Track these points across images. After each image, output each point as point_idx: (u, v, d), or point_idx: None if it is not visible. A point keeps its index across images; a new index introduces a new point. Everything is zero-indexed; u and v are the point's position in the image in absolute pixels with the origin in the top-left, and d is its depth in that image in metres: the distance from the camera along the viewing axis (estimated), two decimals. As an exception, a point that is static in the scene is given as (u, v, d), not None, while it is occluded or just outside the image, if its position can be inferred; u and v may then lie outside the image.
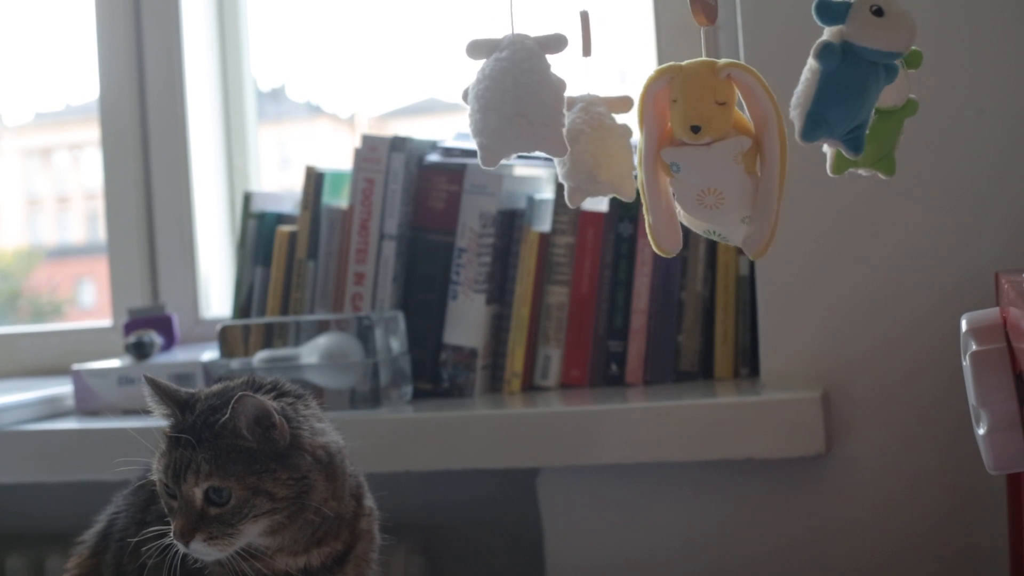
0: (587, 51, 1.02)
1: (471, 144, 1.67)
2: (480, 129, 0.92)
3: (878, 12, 0.84)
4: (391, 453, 1.48)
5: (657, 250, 0.95)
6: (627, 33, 1.93)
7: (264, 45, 2.16)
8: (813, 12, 0.85)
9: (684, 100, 0.89)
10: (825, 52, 0.84)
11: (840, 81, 0.84)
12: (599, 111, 1.01)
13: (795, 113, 0.87)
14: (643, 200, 0.94)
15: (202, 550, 1.03)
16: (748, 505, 1.51)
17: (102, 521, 1.20)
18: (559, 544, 1.57)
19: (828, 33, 0.86)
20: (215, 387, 1.12)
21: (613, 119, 1.01)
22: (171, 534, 1.04)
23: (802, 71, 0.87)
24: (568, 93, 0.95)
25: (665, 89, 0.91)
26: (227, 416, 1.03)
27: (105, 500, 1.23)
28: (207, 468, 1.02)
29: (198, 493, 1.03)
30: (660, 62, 1.79)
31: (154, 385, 1.09)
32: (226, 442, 1.03)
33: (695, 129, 0.89)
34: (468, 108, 0.93)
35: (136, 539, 1.10)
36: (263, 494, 1.03)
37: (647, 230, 0.95)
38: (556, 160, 0.98)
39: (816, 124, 0.85)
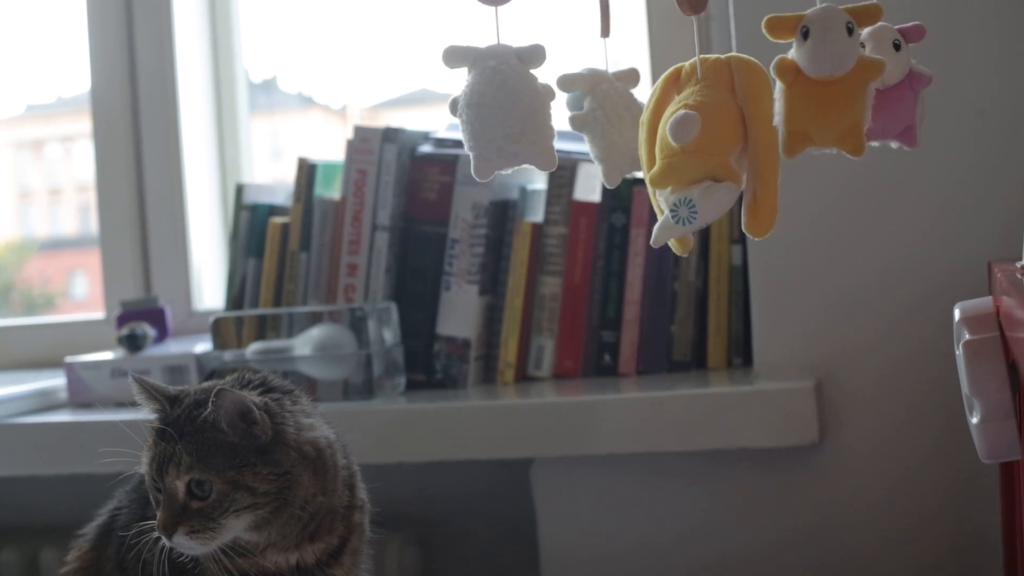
0: (606, 32, 1.02)
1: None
2: (477, 143, 0.90)
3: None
4: (385, 444, 1.48)
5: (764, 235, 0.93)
6: (618, 24, 1.93)
7: (256, 36, 2.15)
8: None
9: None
10: None
11: None
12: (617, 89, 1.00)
13: None
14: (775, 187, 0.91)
15: (185, 543, 1.03)
16: (742, 495, 1.51)
17: (104, 515, 1.20)
18: (553, 534, 1.57)
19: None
20: (206, 383, 1.12)
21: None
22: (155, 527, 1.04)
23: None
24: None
25: None
26: (209, 410, 1.03)
27: (99, 493, 1.22)
28: (188, 461, 1.02)
29: (180, 486, 1.03)
30: (652, 53, 1.79)
31: (142, 383, 1.09)
32: (207, 436, 1.03)
33: None
34: (460, 118, 0.91)
35: (138, 534, 1.09)
36: (243, 489, 1.03)
37: (758, 216, 0.92)
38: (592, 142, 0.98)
39: None
